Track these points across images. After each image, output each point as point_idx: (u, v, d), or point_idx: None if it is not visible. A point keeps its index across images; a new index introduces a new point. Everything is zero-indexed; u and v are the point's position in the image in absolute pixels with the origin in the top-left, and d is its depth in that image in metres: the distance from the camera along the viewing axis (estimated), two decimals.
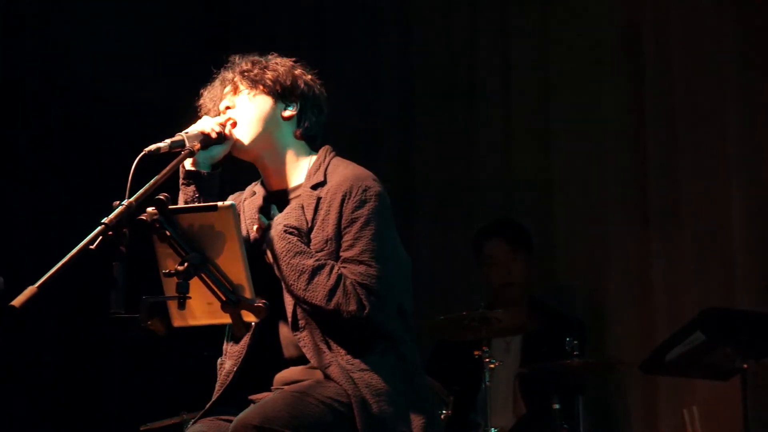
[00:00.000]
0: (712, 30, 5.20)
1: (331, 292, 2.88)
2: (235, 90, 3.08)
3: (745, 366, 4.33)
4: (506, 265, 5.20)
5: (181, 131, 2.96)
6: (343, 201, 2.95)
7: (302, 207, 3.00)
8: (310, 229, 2.97)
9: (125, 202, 2.52)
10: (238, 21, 6.06)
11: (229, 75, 3.11)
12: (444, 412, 4.44)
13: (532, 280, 5.28)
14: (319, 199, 2.99)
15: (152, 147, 2.84)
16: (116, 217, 2.47)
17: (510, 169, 5.69)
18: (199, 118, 3.07)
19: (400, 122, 5.97)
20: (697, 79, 5.23)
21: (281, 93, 3.06)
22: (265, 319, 2.68)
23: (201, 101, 3.14)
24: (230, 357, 3.05)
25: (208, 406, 3.02)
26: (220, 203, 2.64)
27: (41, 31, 5.54)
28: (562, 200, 5.56)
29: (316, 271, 2.89)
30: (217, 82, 3.13)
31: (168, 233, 2.58)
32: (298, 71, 3.11)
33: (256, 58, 3.12)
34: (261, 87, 3.06)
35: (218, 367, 3.10)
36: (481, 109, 5.82)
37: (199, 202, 2.97)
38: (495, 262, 5.23)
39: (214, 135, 2.99)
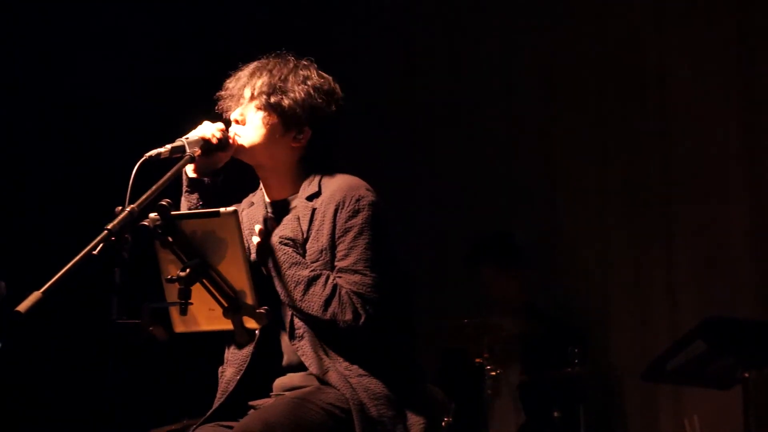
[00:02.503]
0: (712, 32, 5.21)
1: (327, 302, 2.88)
2: (251, 100, 3.06)
3: (746, 375, 4.33)
4: (500, 284, 5.21)
5: (181, 136, 2.95)
6: (336, 211, 2.95)
7: (298, 218, 3.00)
8: (306, 240, 2.98)
9: (128, 208, 2.50)
10: (240, 27, 6.06)
11: (250, 85, 3.06)
12: (446, 419, 4.43)
13: (529, 289, 5.27)
14: (314, 210, 2.99)
15: (153, 152, 2.82)
16: (119, 222, 2.46)
17: (513, 178, 5.68)
18: (203, 119, 3.06)
19: (402, 128, 5.97)
20: (697, 85, 5.23)
21: (294, 121, 3.03)
22: (266, 327, 2.68)
23: (222, 92, 3.10)
24: (231, 365, 3.05)
25: (209, 413, 3.02)
26: (222, 209, 2.63)
27: (42, 34, 5.54)
28: (564, 210, 5.56)
29: (311, 281, 2.89)
30: (240, 81, 3.08)
31: (170, 239, 2.57)
32: (319, 100, 3.05)
33: (282, 74, 3.04)
34: (276, 115, 3.02)
35: (219, 375, 3.09)
36: (483, 119, 5.82)
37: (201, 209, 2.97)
38: (489, 284, 5.23)
39: (214, 141, 2.98)
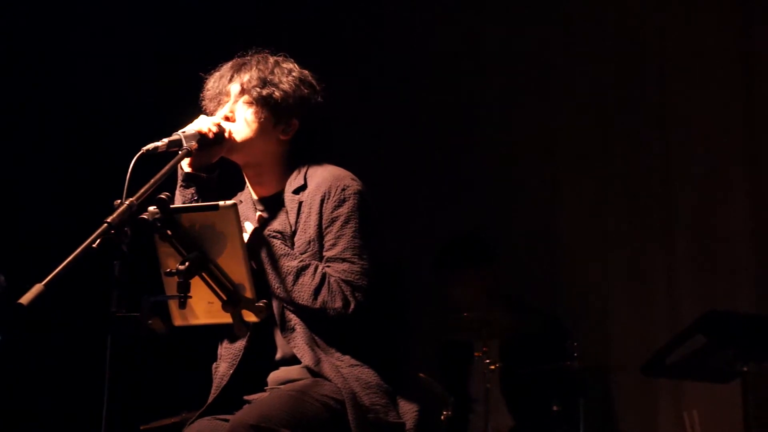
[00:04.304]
0: (712, 32, 5.20)
1: (317, 291, 2.90)
2: (240, 95, 3.07)
3: (746, 369, 4.32)
4: (474, 285, 5.12)
5: (177, 130, 2.96)
6: (322, 201, 2.99)
7: (285, 212, 3.03)
8: (294, 233, 3.00)
9: (127, 202, 2.50)
10: (238, 20, 6.05)
11: (237, 81, 3.08)
12: (445, 412, 4.44)
13: (500, 283, 5.19)
14: (300, 203, 3.02)
15: (150, 146, 2.83)
16: (118, 216, 2.46)
17: (513, 174, 5.67)
18: (199, 114, 3.07)
19: (402, 128, 5.96)
20: (696, 83, 5.23)
21: (284, 114, 3.06)
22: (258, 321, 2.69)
23: (206, 93, 3.12)
24: (224, 360, 3.07)
25: (204, 408, 3.03)
26: (221, 202, 2.63)
27: (41, 30, 5.54)
28: (564, 200, 5.56)
29: (300, 271, 2.92)
30: (224, 79, 3.09)
31: (169, 232, 2.57)
32: (306, 91, 3.09)
33: (268, 68, 3.07)
34: (267, 108, 3.04)
35: (213, 371, 3.11)
36: (483, 117, 5.82)
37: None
38: (464, 288, 5.13)
39: (210, 135, 2.99)
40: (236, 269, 2.63)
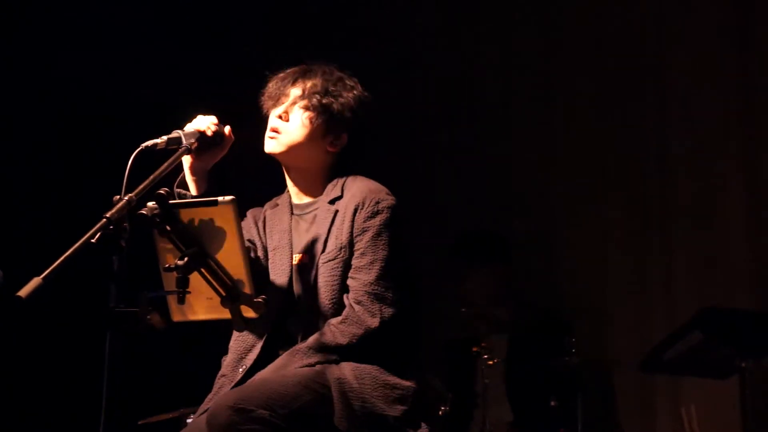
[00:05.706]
0: (711, 28, 5.20)
1: (345, 324, 2.96)
2: (300, 99, 3.11)
3: (744, 365, 4.33)
4: (489, 282, 5.11)
5: (178, 128, 2.97)
6: (355, 211, 3.05)
7: (320, 219, 3.09)
8: (326, 240, 3.06)
9: (126, 197, 2.51)
10: (238, 18, 6.04)
11: (299, 85, 3.12)
12: (443, 408, 4.44)
13: (512, 280, 5.19)
14: (336, 211, 3.08)
15: (149, 143, 2.85)
16: (117, 211, 2.46)
17: (512, 171, 5.67)
18: (197, 114, 3.08)
19: (402, 127, 5.95)
20: (695, 79, 5.23)
21: (337, 126, 3.12)
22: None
23: (266, 91, 3.16)
24: (233, 351, 3.09)
25: (208, 403, 3.05)
26: (220, 198, 2.64)
27: (38, 27, 5.54)
28: (562, 197, 5.56)
29: (320, 348, 2.97)
30: (287, 81, 3.14)
31: (168, 228, 2.58)
32: (361, 110, 3.16)
33: (332, 80, 3.14)
34: (323, 116, 3.10)
35: (222, 364, 3.12)
36: (483, 115, 5.81)
37: None
38: (479, 284, 5.13)
39: (209, 133, 3.00)
40: (235, 265, 2.63)
